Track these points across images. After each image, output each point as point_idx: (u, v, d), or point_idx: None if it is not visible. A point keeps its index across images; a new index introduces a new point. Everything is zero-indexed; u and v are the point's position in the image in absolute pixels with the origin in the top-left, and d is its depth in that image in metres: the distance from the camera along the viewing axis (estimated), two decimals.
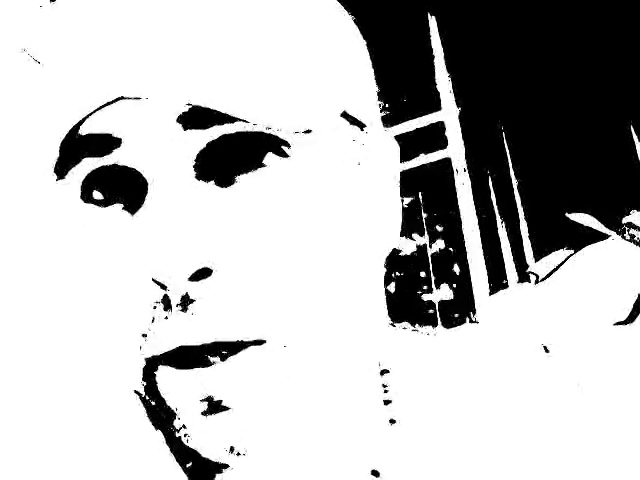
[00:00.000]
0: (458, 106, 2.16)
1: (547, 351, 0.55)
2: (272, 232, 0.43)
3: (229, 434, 0.43)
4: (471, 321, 1.99)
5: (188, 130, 0.42)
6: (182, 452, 0.47)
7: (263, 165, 0.43)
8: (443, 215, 2.14)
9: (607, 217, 1.72)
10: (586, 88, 1.95)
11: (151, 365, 0.43)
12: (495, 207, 2.11)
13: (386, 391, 0.51)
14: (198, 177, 0.43)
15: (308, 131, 0.44)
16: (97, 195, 0.44)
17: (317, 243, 0.44)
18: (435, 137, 2.16)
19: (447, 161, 2.16)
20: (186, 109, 0.41)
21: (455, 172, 2.15)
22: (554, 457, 0.50)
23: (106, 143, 0.42)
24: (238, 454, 0.43)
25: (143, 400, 0.45)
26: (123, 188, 0.43)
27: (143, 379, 0.44)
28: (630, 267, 1.56)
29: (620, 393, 0.52)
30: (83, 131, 0.42)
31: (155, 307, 0.42)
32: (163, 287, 0.42)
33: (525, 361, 0.54)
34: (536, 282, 1.69)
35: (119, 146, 0.42)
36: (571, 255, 1.65)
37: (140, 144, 0.42)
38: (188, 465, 0.47)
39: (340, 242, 0.45)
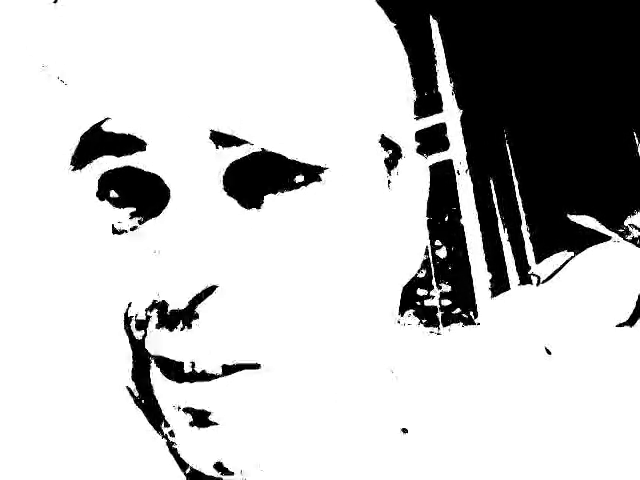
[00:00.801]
0: (460, 108, 2.16)
1: (549, 353, 0.55)
2: (287, 257, 0.42)
3: (218, 450, 0.42)
4: (472, 323, 1.99)
5: (219, 146, 0.41)
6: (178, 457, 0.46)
7: (294, 187, 0.42)
8: (444, 216, 2.14)
9: (609, 218, 1.71)
10: (588, 89, 1.95)
11: (144, 364, 0.42)
12: (497, 208, 2.10)
13: (393, 397, 0.50)
14: (224, 194, 0.41)
15: (343, 156, 0.43)
16: (113, 194, 0.43)
17: (332, 271, 0.42)
18: (437, 139, 2.16)
19: (448, 163, 2.16)
20: (214, 129, 0.40)
21: (457, 173, 2.15)
22: (556, 458, 0.50)
23: (129, 144, 0.41)
24: (226, 470, 0.42)
25: (135, 398, 0.45)
26: (142, 192, 0.42)
27: (135, 377, 0.43)
28: (632, 269, 1.56)
29: (622, 395, 0.52)
30: (106, 128, 0.41)
31: (158, 320, 0.41)
32: (164, 305, 0.41)
33: (527, 363, 0.54)
34: (538, 284, 1.69)
35: (142, 149, 0.41)
36: (573, 257, 1.64)
37: (167, 151, 0.41)
38: (187, 471, 0.46)
39: (358, 271, 0.43)
